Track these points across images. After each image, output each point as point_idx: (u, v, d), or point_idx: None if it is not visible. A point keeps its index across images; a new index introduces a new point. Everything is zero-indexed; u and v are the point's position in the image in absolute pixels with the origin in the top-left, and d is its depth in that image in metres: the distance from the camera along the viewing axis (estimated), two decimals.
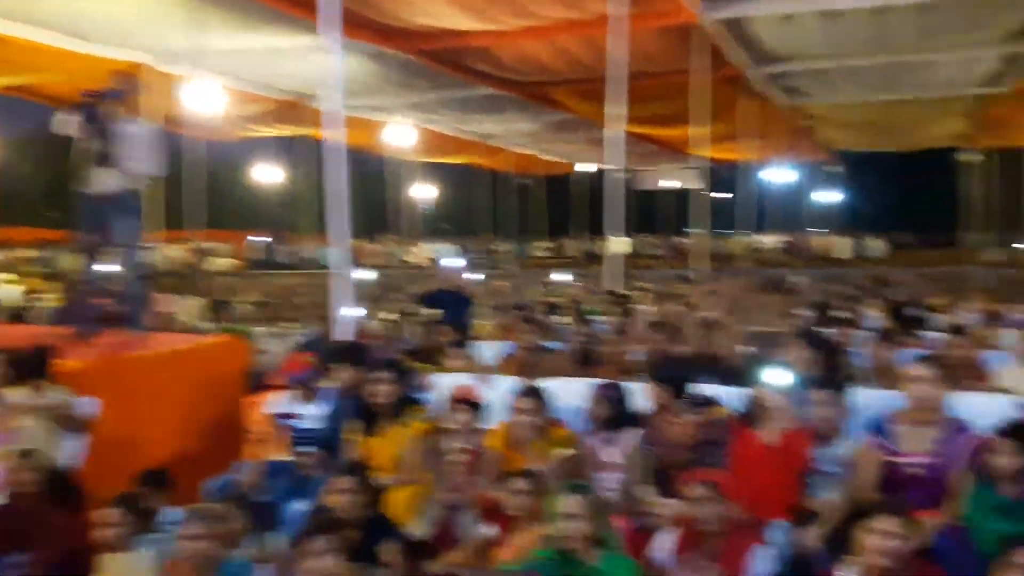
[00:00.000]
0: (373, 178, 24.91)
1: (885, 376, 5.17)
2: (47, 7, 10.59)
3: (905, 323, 6.79)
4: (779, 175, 25.29)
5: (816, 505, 3.91)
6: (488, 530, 3.96)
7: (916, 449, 3.85)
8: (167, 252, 19.43)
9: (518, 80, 14.05)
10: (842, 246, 28.18)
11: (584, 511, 3.25)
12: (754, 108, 17.16)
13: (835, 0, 11.34)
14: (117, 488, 4.09)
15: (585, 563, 3.29)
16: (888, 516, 3.04)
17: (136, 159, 5.76)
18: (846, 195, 38.00)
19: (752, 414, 4.05)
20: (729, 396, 4.58)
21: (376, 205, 24.36)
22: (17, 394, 4.66)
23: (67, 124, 5.73)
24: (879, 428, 3.94)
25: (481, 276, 16.18)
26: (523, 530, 3.80)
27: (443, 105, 16.20)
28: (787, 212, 26.94)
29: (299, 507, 4.51)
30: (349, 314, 9.18)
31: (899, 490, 3.85)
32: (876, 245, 29.66)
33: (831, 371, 5.06)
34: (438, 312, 7.42)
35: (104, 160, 5.70)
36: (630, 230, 34.49)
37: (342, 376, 5.07)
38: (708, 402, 4.33)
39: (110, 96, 5.75)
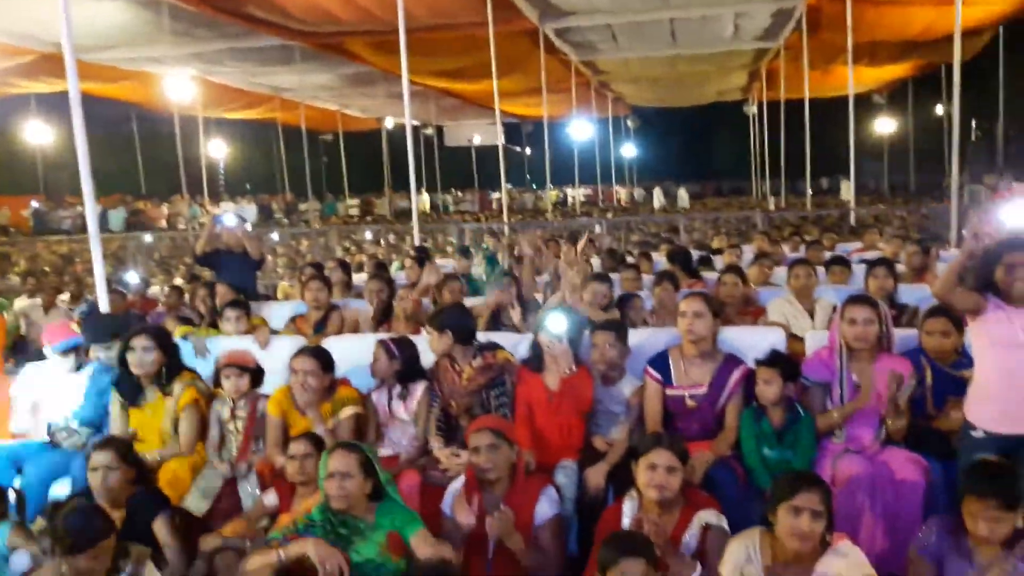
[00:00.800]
0: (164, 137, 23.27)
1: (668, 316, 5.35)
2: None
3: (688, 265, 7.08)
4: (584, 130, 25.95)
5: (601, 444, 3.99)
6: (269, 498, 3.75)
7: (691, 382, 3.99)
8: None
9: (307, 30, 13.39)
10: (647, 197, 29.46)
11: (354, 468, 3.12)
12: (554, 64, 17.35)
13: None
14: None
15: (360, 519, 3.19)
16: (662, 449, 3.11)
17: None
18: (647, 149, 39.98)
19: (536, 359, 4.04)
20: (514, 342, 4.57)
21: (169, 165, 22.75)
22: None
23: None
24: (657, 365, 4.05)
25: (275, 236, 15.55)
26: (307, 496, 3.63)
27: (229, 56, 15.17)
28: (594, 166, 27.80)
29: (60, 489, 4.14)
30: (127, 281, 8.54)
31: (676, 423, 4.00)
32: (682, 195, 31.36)
33: (617, 314, 5.22)
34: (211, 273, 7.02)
35: None
36: (445, 186, 34.59)
37: (105, 347, 4.64)
38: (493, 348, 4.29)
39: None
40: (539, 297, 6.16)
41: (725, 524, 3.12)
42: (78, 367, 4.79)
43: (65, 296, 9.24)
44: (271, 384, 4.38)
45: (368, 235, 16.28)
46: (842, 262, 6.58)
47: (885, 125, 28.63)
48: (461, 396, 4.15)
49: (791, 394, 3.80)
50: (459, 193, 35.91)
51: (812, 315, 5.41)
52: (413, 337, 4.55)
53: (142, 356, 4.22)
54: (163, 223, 25.44)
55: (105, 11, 11.52)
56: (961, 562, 2.85)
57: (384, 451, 4.20)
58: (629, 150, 36.02)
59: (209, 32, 13.31)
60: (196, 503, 3.98)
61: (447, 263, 8.95)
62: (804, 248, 8.54)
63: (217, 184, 29.01)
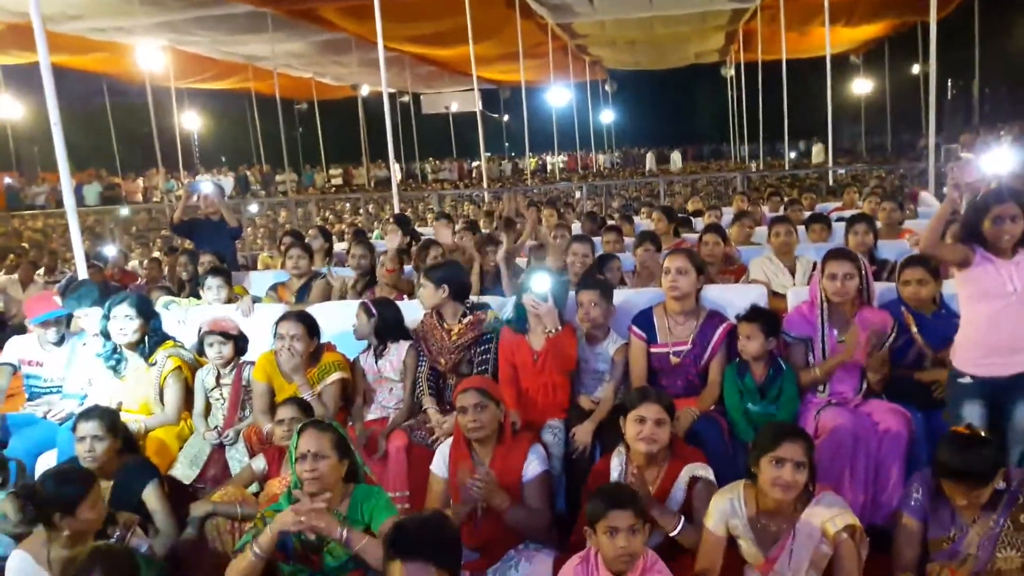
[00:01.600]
0: (136, 109, 22.84)
1: (650, 278, 5.37)
2: None
3: (674, 217, 7.11)
4: (562, 96, 25.77)
5: (587, 403, 4.02)
6: (258, 462, 3.76)
7: (675, 339, 4.02)
8: None
9: None
10: (623, 163, 29.42)
11: (327, 448, 2.92)
12: (530, 27, 17.18)
13: None
14: None
15: (333, 510, 2.96)
16: (651, 403, 3.14)
17: None
18: (625, 114, 39.78)
19: (520, 320, 4.05)
20: (500, 303, 4.58)
21: (143, 137, 22.37)
22: None
23: None
24: (641, 323, 4.07)
25: (254, 207, 15.41)
26: None
27: (199, 25, 14.86)
28: (573, 133, 27.70)
29: (47, 461, 4.12)
30: (104, 254, 8.46)
31: (661, 380, 4.03)
32: (675, 159, 31.35)
33: (599, 273, 5.23)
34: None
35: None
36: (423, 155, 34.28)
37: (86, 319, 4.61)
38: (479, 308, 4.29)
39: None
40: (522, 261, 6.17)
41: (712, 477, 3.16)
42: (60, 340, 4.76)
43: (42, 270, 9.14)
44: (255, 354, 4.36)
45: (348, 205, 16.18)
46: (822, 219, 6.62)
47: (862, 86, 28.63)
48: (449, 353, 4.16)
49: (773, 349, 3.84)
50: (437, 162, 35.68)
51: (793, 273, 5.46)
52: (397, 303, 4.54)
53: (124, 324, 4.20)
54: (139, 197, 25.12)
55: None
56: (945, 520, 2.93)
57: (372, 414, 4.21)
58: (608, 116, 35.84)
59: (178, 1, 13.04)
60: (184, 471, 3.99)
61: (428, 231, 8.92)
62: (784, 208, 8.58)
63: (192, 157, 28.56)
